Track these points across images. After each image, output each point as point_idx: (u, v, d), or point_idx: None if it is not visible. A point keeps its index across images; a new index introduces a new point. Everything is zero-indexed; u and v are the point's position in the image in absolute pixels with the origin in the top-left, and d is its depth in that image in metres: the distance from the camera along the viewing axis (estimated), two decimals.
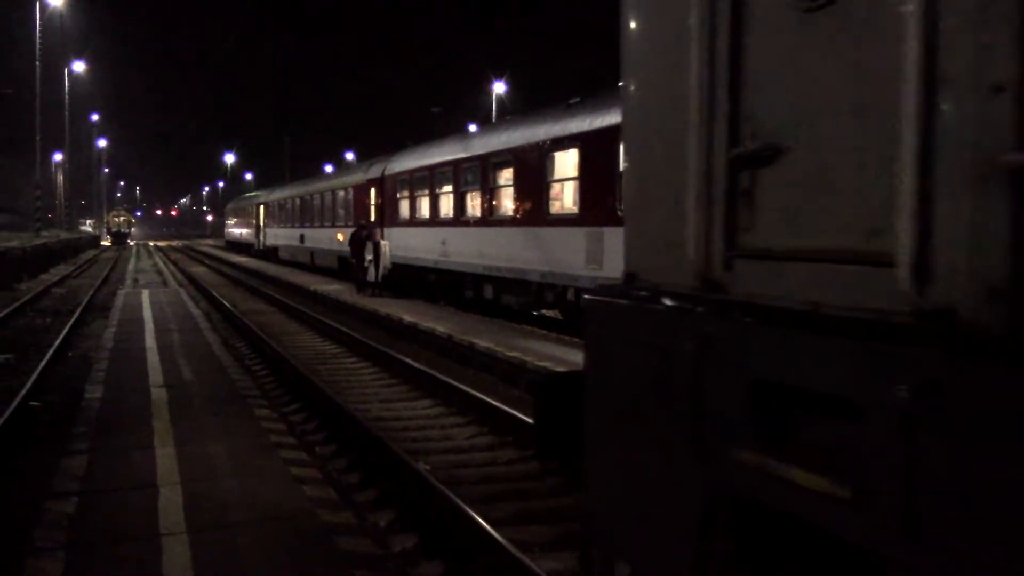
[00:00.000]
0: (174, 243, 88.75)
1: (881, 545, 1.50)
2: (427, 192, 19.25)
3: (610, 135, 11.58)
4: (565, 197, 13.94)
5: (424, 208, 19.60)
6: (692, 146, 2.12)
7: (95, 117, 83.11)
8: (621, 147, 3.04)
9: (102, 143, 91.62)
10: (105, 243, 76.98)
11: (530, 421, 6.47)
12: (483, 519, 4.92)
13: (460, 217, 17.38)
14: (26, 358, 11.90)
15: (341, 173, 32.34)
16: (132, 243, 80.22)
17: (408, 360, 11.01)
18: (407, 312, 15.89)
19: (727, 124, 2.03)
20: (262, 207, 42.66)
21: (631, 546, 2.37)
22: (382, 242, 20.96)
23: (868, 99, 1.61)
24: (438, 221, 18.52)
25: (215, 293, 22.02)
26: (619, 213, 10.59)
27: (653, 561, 2.25)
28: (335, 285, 23.30)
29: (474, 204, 17.03)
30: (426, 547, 5.03)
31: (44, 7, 41.64)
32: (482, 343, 11.70)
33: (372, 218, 22.79)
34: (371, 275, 20.45)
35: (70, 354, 12.53)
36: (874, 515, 1.49)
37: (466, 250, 16.88)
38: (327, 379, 10.31)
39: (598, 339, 2.54)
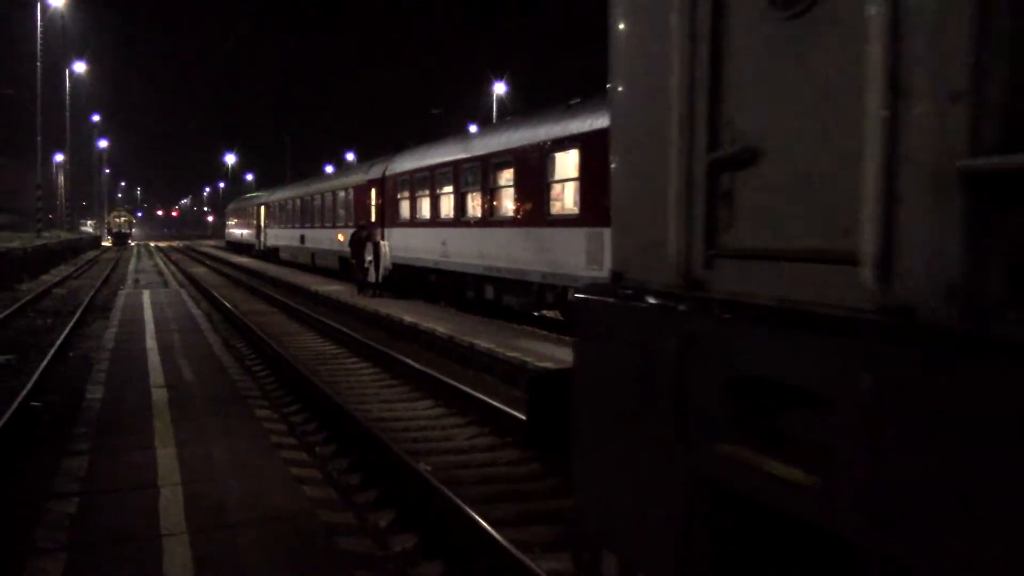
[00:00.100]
0: (175, 244, 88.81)
1: (848, 532, 1.56)
2: (428, 192, 19.26)
3: None
4: (566, 198, 13.95)
5: (425, 208, 19.60)
6: (674, 148, 2.19)
7: (96, 118, 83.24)
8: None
9: (103, 144, 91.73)
10: (106, 244, 77.01)
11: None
12: (483, 519, 4.93)
13: (461, 218, 17.39)
14: (27, 358, 11.91)
15: (342, 174, 32.34)
16: (133, 244, 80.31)
17: (409, 361, 11.01)
18: (408, 313, 15.89)
19: (707, 128, 2.09)
20: (263, 208, 42.67)
21: (617, 537, 2.44)
22: (382, 243, 20.97)
23: (838, 106, 1.68)
24: (439, 221, 18.52)
25: (216, 294, 22.04)
26: None
27: (638, 551, 2.31)
28: (336, 286, 23.31)
29: (475, 205, 17.04)
30: (426, 547, 5.03)
31: (45, 8, 41.71)
32: (483, 344, 11.70)
33: (373, 219, 22.80)
34: (371, 276, 20.46)
35: (71, 354, 12.54)
36: (841, 503, 1.55)
37: (467, 251, 16.89)
38: (328, 380, 10.31)
39: (586, 336, 2.61)
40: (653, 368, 2.14)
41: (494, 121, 42.48)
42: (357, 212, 24.68)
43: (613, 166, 2.71)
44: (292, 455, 6.39)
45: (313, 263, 30.84)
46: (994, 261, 1.37)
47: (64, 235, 50.67)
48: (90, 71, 61.22)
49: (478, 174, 16.59)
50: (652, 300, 2.25)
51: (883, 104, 1.51)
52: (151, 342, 12.14)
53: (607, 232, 13.18)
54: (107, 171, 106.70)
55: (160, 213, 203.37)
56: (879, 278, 1.54)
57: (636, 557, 2.33)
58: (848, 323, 1.59)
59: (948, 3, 1.42)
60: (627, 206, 2.59)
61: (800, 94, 1.81)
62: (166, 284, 27.31)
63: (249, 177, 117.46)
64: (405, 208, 20.81)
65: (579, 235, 12.57)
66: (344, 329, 14.48)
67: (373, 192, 23.21)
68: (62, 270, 33.75)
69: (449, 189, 18.03)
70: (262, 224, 42.72)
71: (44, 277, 29.03)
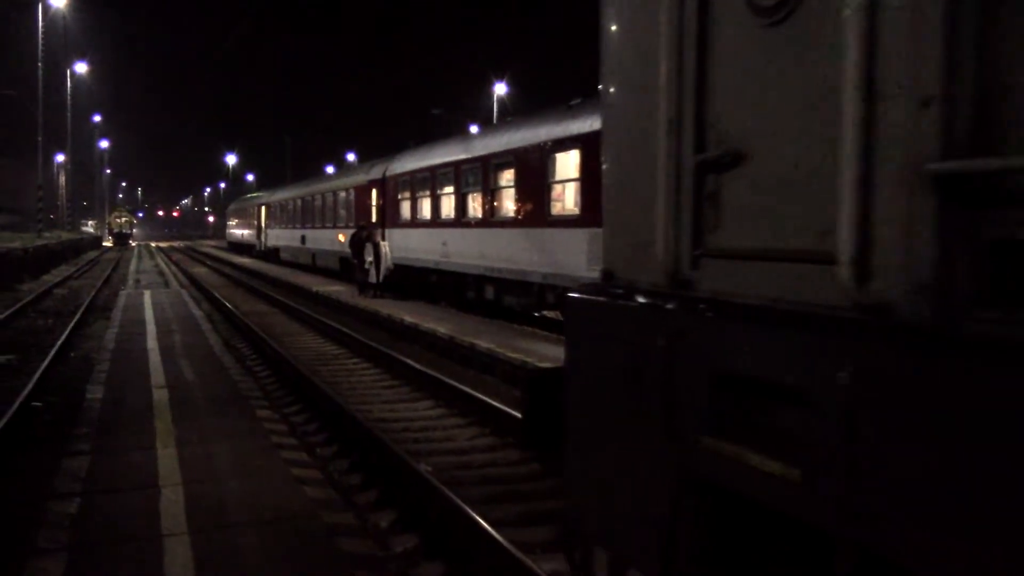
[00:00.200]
0: (176, 244, 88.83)
1: (827, 524, 1.61)
2: (428, 193, 19.26)
3: None
4: (566, 198, 13.94)
5: (425, 209, 19.60)
6: (662, 150, 2.25)
7: (97, 118, 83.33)
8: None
9: (104, 144, 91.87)
10: (107, 244, 77.01)
11: None
12: (484, 520, 4.93)
13: (461, 218, 17.39)
14: (28, 359, 11.92)
15: (342, 174, 32.34)
16: (134, 244, 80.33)
17: (409, 361, 11.02)
18: (408, 313, 15.89)
19: (694, 130, 2.15)
20: (263, 208, 42.69)
21: (607, 533, 2.47)
22: (382, 243, 20.97)
23: (816, 111, 1.74)
24: (439, 222, 18.52)
25: (217, 294, 22.05)
26: None
27: (627, 544, 2.36)
28: (336, 286, 23.32)
29: (475, 205, 17.04)
30: (427, 548, 5.03)
31: (47, 8, 41.74)
32: (483, 344, 11.70)
33: (373, 219, 22.80)
34: (372, 276, 20.46)
35: (72, 355, 12.54)
36: (820, 496, 1.60)
37: (467, 251, 16.89)
38: (328, 380, 10.32)
39: (578, 334, 2.66)
40: (642, 365, 2.19)
41: (495, 121, 42.48)
42: (358, 212, 24.68)
43: (604, 166, 2.76)
44: (293, 455, 6.39)
45: (314, 264, 30.84)
46: (962, 260, 1.42)
47: (65, 235, 50.68)
48: (91, 71, 61.31)
49: (479, 174, 16.58)
50: (641, 299, 2.30)
51: (858, 109, 1.57)
52: (152, 342, 12.14)
53: None
54: (108, 171, 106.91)
55: (161, 213, 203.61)
56: (856, 277, 1.59)
57: (626, 552, 2.37)
58: (826, 321, 1.64)
59: (919, 13, 1.46)
60: (617, 206, 2.64)
61: (781, 99, 1.86)
62: (167, 284, 27.32)
63: (250, 177, 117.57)
64: (406, 208, 20.81)
65: (580, 236, 12.57)
66: (345, 329, 14.49)
67: (374, 192, 23.21)
68: (63, 270, 33.76)
69: (450, 189, 18.03)
70: (263, 224, 42.73)
71: (45, 277, 29.04)
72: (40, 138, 42.13)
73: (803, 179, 1.80)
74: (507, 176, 15.56)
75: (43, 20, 40.84)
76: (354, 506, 5.77)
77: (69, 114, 57.83)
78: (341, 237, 25.70)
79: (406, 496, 5.80)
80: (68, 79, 56.16)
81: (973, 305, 1.40)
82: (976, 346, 1.35)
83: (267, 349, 12.66)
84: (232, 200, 67.87)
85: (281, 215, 37.96)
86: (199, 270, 37.98)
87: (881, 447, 1.47)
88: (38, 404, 8.73)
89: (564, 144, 13.42)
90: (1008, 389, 1.26)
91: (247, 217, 49.34)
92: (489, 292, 16.40)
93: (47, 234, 43.27)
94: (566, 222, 13.27)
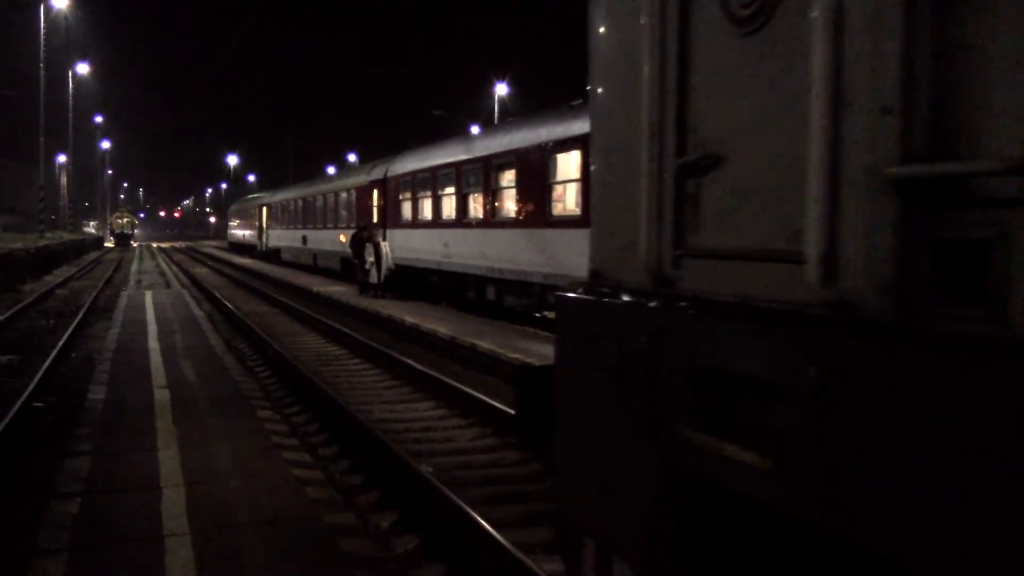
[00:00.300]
0: (177, 244, 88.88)
1: (798, 511, 1.68)
2: (429, 194, 19.27)
3: None
4: (568, 199, 13.94)
5: (427, 210, 19.61)
6: (644, 154, 2.33)
7: (99, 119, 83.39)
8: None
9: (106, 145, 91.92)
10: (108, 244, 77.03)
11: None
12: (485, 521, 4.93)
13: (463, 219, 17.39)
14: (30, 359, 11.93)
15: (343, 175, 32.36)
16: (135, 245, 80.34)
17: (410, 362, 11.02)
18: (409, 314, 15.90)
19: (676, 134, 2.23)
20: (264, 209, 42.72)
21: (595, 522, 2.56)
22: (382, 243, 20.98)
23: (788, 117, 1.82)
24: (440, 223, 18.53)
25: (218, 294, 22.06)
26: None
27: (613, 534, 2.44)
28: (337, 287, 23.33)
29: (476, 206, 17.04)
30: (428, 549, 5.03)
31: (48, 9, 41.79)
32: (484, 345, 11.70)
33: (375, 220, 22.81)
34: (373, 277, 20.46)
35: (73, 355, 12.56)
36: (791, 484, 1.68)
37: (468, 252, 16.89)
38: (329, 380, 10.32)
39: (566, 332, 2.74)
40: (626, 361, 2.27)
41: (496, 122, 42.48)
42: (359, 213, 24.69)
43: (592, 168, 2.85)
44: (294, 456, 6.39)
45: (315, 264, 30.85)
46: (920, 260, 1.50)
47: (67, 236, 50.75)
48: (93, 72, 61.35)
49: (480, 175, 16.59)
50: (626, 297, 2.38)
51: (825, 116, 1.66)
52: (153, 343, 12.15)
53: None
54: (110, 172, 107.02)
55: (162, 214, 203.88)
56: (823, 276, 1.67)
57: (612, 543, 2.45)
58: (796, 317, 1.73)
59: (880, 26, 1.55)
60: (604, 207, 2.74)
61: (755, 105, 1.96)
62: (168, 285, 27.34)
63: (251, 178, 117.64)
64: (407, 209, 20.82)
65: (581, 236, 12.54)
66: (346, 330, 14.49)
67: (375, 193, 23.22)
68: (65, 271, 33.79)
69: (451, 190, 18.03)
70: (264, 225, 42.76)
71: (47, 278, 29.07)
72: (42, 139, 42.18)
73: (775, 182, 1.88)
74: (508, 176, 15.56)
75: (45, 21, 40.91)
76: (355, 507, 5.77)
77: (71, 115, 57.91)
78: (342, 238, 25.71)
79: (407, 497, 5.81)
80: (70, 80, 56.25)
81: (929, 301, 1.48)
82: (931, 340, 1.42)
83: (268, 350, 12.67)
84: (233, 201, 67.93)
85: (282, 216, 37.98)
86: (200, 271, 38.00)
87: (847, 436, 1.55)
88: (39, 404, 8.74)
89: (565, 144, 13.42)
90: (959, 378, 1.34)
91: (248, 218, 49.38)
92: (490, 293, 16.40)
93: (49, 235, 43.33)
94: (567, 223, 13.27)
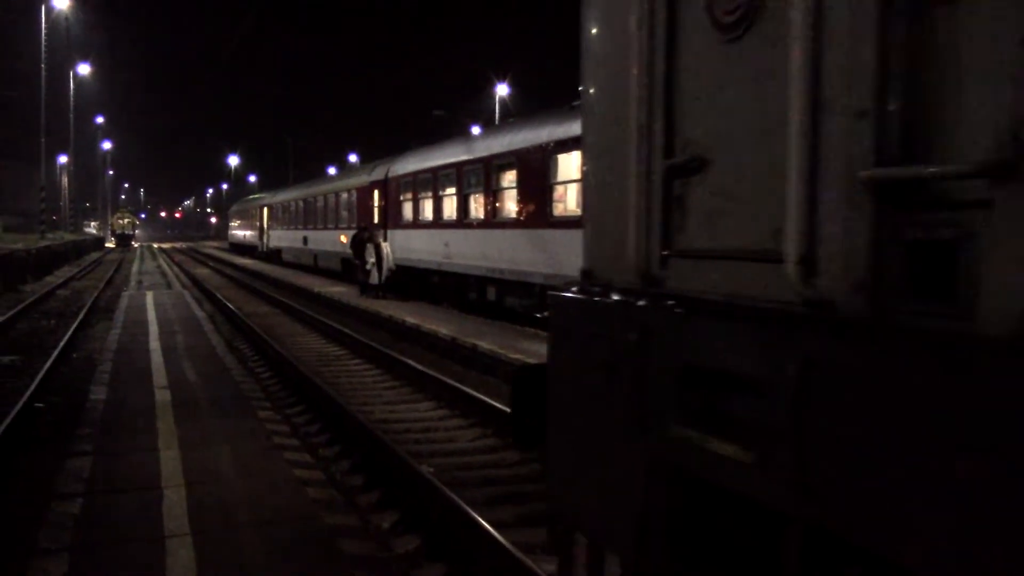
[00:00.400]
0: (178, 245, 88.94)
1: (780, 503, 1.75)
2: (430, 194, 19.27)
3: None
4: (568, 199, 13.94)
5: (427, 210, 19.62)
6: (633, 155, 2.39)
7: (100, 119, 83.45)
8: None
9: (107, 145, 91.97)
10: (109, 245, 77.09)
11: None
12: (486, 521, 4.93)
13: (463, 219, 17.39)
14: (31, 359, 11.94)
15: (344, 175, 32.38)
16: (136, 245, 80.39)
17: (411, 362, 11.02)
18: (410, 314, 15.91)
19: (663, 137, 2.30)
20: (265, 209, 42.74)
21: (585, 518, 2.61)
22: (383, 244, 20.99)
23: (769, 121, 1.88)
24: (441, 223, 18.53)
25: (219, 295, 22.07)
26: None
27: (604, 530, 2.49)
28: (338, 287, 23.34)
29: (477, 206, 17.05)
30: (429, 549, 5.04)
31: (49, 10, 41.83)
32: (485, 345, 11.71)
33: (376, 220, 22.82)
34: (374, 277, 20.47)
35: (74, 356, 12.56)
36: (773, 477, 1.74)
37: (469, 252, 16.90)
38: (330, 381, 10.33)
39: (559, 330, 2.80)
40: (616, 359, 2.33)
41: (497, 123, 42.50)
42: (360, 214, 24.70)
43: (584, 169, 2.91)
44: (295, 456, 6.40)
45: (316, 265, 30.86)
46: (893, 259, 1.56)
47: (68, 236, 50.77)
48: (93, 73, 61.40)
49: (481, 176, 16.59)
50: (616, 296, 2.44)
51: (804, 120, 1.73)
52: (154, 343, 12.16)
53: None
54: (111, 173, 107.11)
55: (163, 214, 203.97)
56: (802, 275, 1.73)
57: (603, 536, 2.50)
58: (776, 315, 1.79)
59: (856, 32, 1.62)
60: (595, 208, 2.80)
61: (738, 108, 2.03)
62: (169, 286, 27.35)
63: (252, 178, 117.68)
64: (408, 210, 20.83)
65: (582, 237, 12.54)
66: (346, 331, 14.50)
67: (376, 194, 23.23)
68: (66, 271, 33.81)
69: (452, 191, 18.04)
70: (265, 226, 42.78)
71: (48, 278, 29.08)
72: (43, 139, 42.20)
73: (757, 184, 1.94)
74: (509, 177, 15.57)
75: (46, 22, 40.94)
76: (356, 507, 5.78)
77: (72, 115, 57.95)
78: (343, 238, 25.72)
79: (408, 497, 5.81)
80: (71, 80, 56.29)
81: (902, 300, 1.53)
82: (902, 337, 1.48)
83: (269, 350, 12.68)
84: (234, 201, 67.98)
85: (283, 216, 38.00)
86: (201, 271, 38.02)
87: (823, 430, 1.61)
88: (41, 405, 8.75)
89: (566, 145, 13.42)
90: (929, 374, 1.40)
91: (249, 218, 49.40)
92: (491, 293, 16.40)
93: (50, 235, 43.34)
94: (568, 223, 13.27)
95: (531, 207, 14.51)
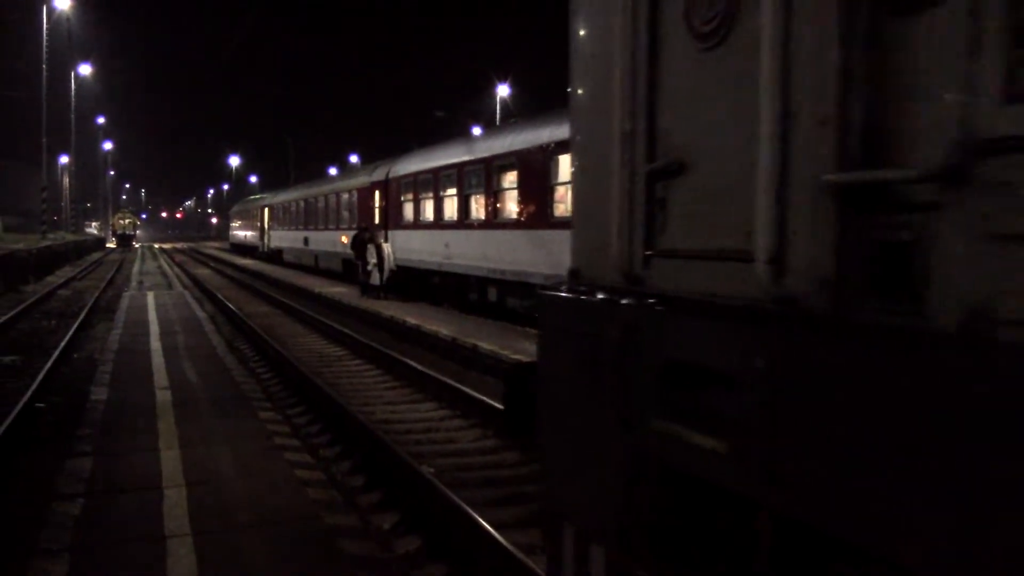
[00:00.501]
0: (179, 245, 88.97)
1: (753, 493, 1.83)
2: (431, 195, 19.28)
3: None
4: (569, 200, 13.94)
5: (428, 211, 19.62)
6: (617, 158, 2.48)
7: (101, 120, 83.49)
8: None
9: (108, 146, 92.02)
10: (110, 245, 77.12)
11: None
12: (487, 522, 4.93)
13: (464, 220, 17.40)
14: (32, 360, 11.95)
15: (345, 176, 32.39)
16: (137, 245, 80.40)
17: (412, 363, 11.02)
18: (411, 315, 15.91)
19: (645, 141, 2.38)
20: (266, 210, 42.75)
21: (573, 511, 2.70)
22: (384, 245, 20.99)
23: (743, 126, 1.97)
24: (442, 224, 18.54)
25: (220, 295, 22.08)
26: None
27: (589, 521, 2.58)
28: (339, 288, 23.34)
29: (478, 207, 17.05)
30: (430, 550, 5.04)
31: (51, 10, 41.86)
32: (486, 346, 11.71)
33: (376, 221, 22.83)
34: (375, 278, 20.47)
35: (75, 356, 12.57)
36: (747, 468, 1.82)
37: (470, 253, 16.90)
38: (331, 381, 10.33)
39: (547, 329, 2.89)
40: (601, 356, 2.42)
41: (497, 123, 42.50)
42: (361, 214, 24.71)
43: (572, 170, 3.01)
44: (295, 457, 6.40)
45: (316, 265, 30.87)
46: (856, 259, 1.64)
47: (69, 237, 50.81)
48: (95, 73, 61.43)
49: (481, 176, 16.60)
50: (601, 295, 2.53)
51: (774, 126, 1.82)
52: (155, 344, 12.16)
53: None
54: (112, 173, 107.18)
55: (164, 215, 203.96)
56: (772, 274, 1.82)
57: (589, 528, 2.59)
58: (749, 312, 1.87)
59: (821, 43, 1.71)
60: (582, 209, 2.89)
61: (715, 114, 2.12)
62: (170, 286, 27.36)
63: (253, 179, 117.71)
64: (409, 210, 20.83)
65: None
66: (347, 331, 14.50)
67: (377, 194, 23.24)
68: (67, 271, 33.83)
69: (452, 191, 18.04)
70: (266, 226, 42.80)
71: (49, 279, 29.11)
72: (44, 139, 42.21)
73: (732, 187, 2.04)
74: (510, 178, 15.57)
75: (47, 22, 40.97)
76: (357, 508, 5.78)
77: (73, 115, 58.00)
78: (344, 239, 25.72)
79: (409, 498, 5.81)
80: (72, 81, 56.34)
81: (863, 297, 1.62)
82: (861, 332, 1.57)
83: (270, 350, 12.68)
84: (235, 202, 68.03)
85: (284, 217, 38.01)
86: (202, 271, 38.04)
87: (791, 422, 1.70)
88: (41, 405, 8.75)
89: (567, 145, 13.38)
90: (886, 367, 1.48)
91: (250, 219, 49.42)
92: (492, 294, 16.41)
93: (51, 235, 43.36)
94: (569, 224, 13.25)
95: (532, 208, 14.51)
